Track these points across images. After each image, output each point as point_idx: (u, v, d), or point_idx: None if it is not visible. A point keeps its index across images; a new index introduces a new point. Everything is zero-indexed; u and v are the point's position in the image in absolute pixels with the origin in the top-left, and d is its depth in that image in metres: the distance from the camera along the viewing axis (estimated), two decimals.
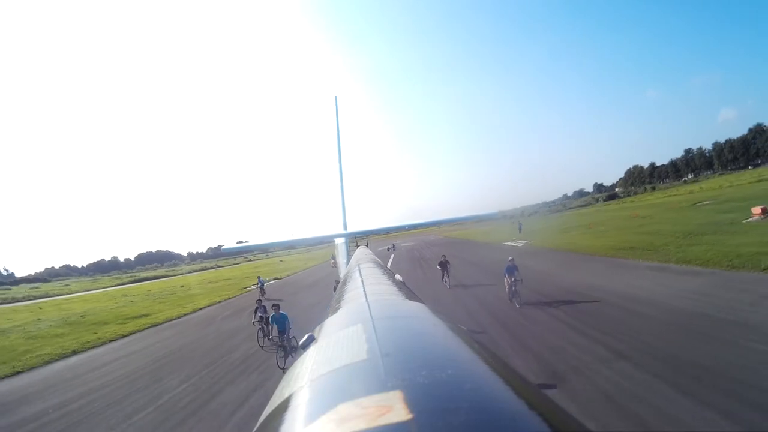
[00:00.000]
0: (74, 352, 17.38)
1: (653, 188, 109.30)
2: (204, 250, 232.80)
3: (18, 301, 60.13)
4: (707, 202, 41.12)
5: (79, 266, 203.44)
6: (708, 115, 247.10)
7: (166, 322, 23.00)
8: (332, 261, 42.63)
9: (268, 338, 13.84)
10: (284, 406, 1.08)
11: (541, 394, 0.95)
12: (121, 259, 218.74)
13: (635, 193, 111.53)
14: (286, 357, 11.12)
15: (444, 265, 19.73)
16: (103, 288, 71.28)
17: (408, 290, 3.31)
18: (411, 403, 0.80)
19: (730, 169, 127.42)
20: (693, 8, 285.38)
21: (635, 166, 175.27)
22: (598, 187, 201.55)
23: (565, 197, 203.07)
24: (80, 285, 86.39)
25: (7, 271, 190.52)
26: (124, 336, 20.05)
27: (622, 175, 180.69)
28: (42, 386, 12.95)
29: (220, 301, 29.38)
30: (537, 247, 30.21)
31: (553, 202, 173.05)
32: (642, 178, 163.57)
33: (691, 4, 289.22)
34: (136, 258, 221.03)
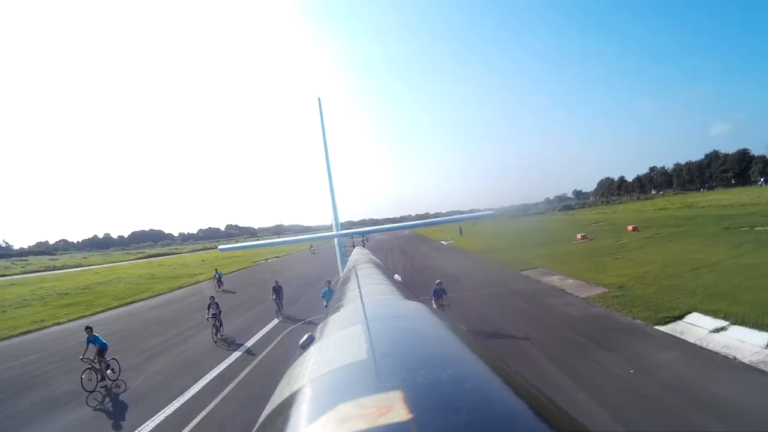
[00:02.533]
0: (180, 287, 32.38)
1: (607, 202, 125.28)
2: (195, 231, 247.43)
3: (57, 269, 72.98)
4: (601, 222, 56.59)
5: (75, 242, 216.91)
6: (705, 126, 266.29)
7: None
8: (311, 248, 58.55)
9: (219, 334, 15.65)
10: (284, 406, 1.14)
11: (541, 394, 1.00)
12: (114, 236, 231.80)
13: (590, 205, 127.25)
14: (98, 381, 11.56)
15: None
16: (120, 262, 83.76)
17: (407, 290, 3.54)
18: (411, 403, 0.83)
19: (689, 189, 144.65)
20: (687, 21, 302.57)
21: (606, 178, 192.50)
22: (578, 194, 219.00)
23: (547, 200, 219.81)
24: (98, 258, 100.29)
25: (6, 243, 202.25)
26: (198, 282, 35.07)
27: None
28: (182, 296, 27.82)
29: (246, 267, 44.84)
30: (453, 246, 45.79)
31: (534, 204, 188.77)
32: (611, 190, 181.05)
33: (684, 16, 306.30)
34: (129, 236, 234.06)
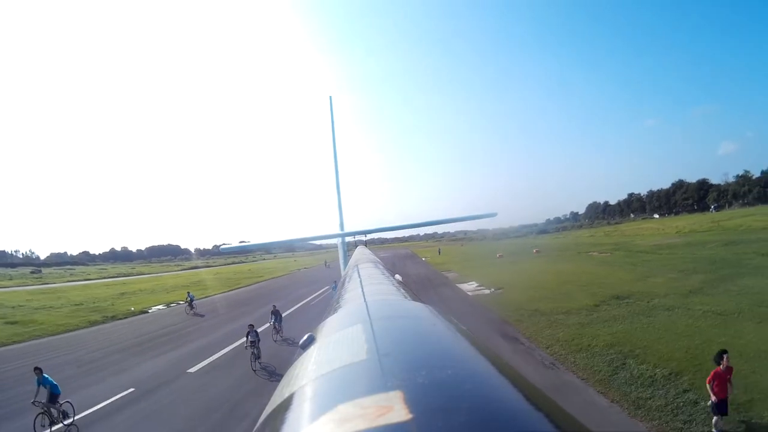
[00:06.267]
0: (257, 282, 57.14)
1: (580, 227, 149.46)
2: (209, 247, 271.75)
3: (124, 276, 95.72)
4: (536, 246, 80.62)
5: (96, 254, 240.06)
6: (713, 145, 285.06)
7: (277, 277, 62.89)
8: (326, 264, 70.71)
9: (258, 362, 16.26)
10: (284, 406, 1.17)
11: (541, 394, 1.02)
12: (133, 250, 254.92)
13: (564, 230, 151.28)
14: (51, 424, 11.60)
15: None
16: (168, 272, 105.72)
17: (408, 290, 3.60)
18: (411, 403, 0.85)
19: (660, 214, 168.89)
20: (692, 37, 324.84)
21: (594, 202, 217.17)
22: (574, 215, 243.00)
23: (547, 221, 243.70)
24: (145, 269, 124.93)
25: (33, 253, 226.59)
26: (266, 280, 59.81)
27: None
28: (266, 284, 52.59)
29: (284, 274, 69.33)
30: (426, 261, 70.19)
31: (533, 225, 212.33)
32: (597, 213, 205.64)
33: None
34: (147, 250, 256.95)
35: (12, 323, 33.65)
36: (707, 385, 9.37)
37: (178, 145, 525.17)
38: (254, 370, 15.85)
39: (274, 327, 20.73)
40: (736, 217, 74.84)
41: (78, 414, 12.99)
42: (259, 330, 17.79)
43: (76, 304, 44.58)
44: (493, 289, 30.74)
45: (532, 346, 16.34)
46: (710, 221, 74.88)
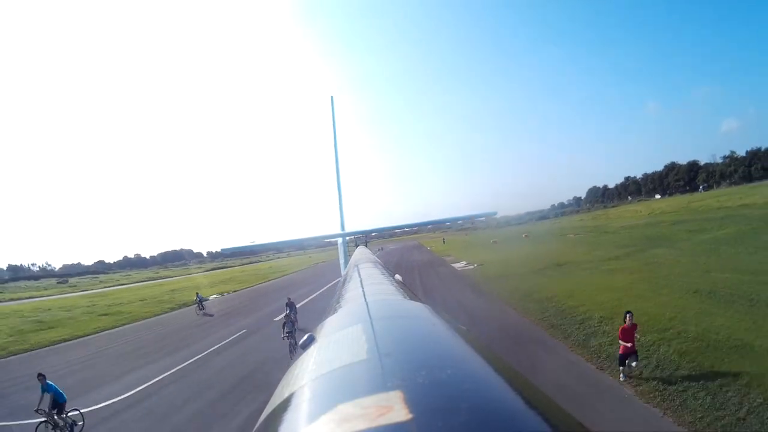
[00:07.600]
0: (284, 275, 68.17)
1: (578, 211, 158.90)
2: (219, 250, 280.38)
3: (144, 281, 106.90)
4: (526, 232, 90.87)
5: (110, 262, 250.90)
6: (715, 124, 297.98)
7: (295, 272, 73.83)
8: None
9: (296, 352, 14.03)
10: (284, 405, 1.19)
11: (541, 394, 1.04)
12: (146, 257, 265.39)
13: (564, 215, 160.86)
14: None
15: None
16: (195, 273, 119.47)
17: (408, 290, 3.68)
18: (411, 403, 0.87)
19: (662, 195, 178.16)
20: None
21: (594, 186, 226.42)
22: (577, 200, 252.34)
23: (553, 207, 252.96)
24: (171, 273, 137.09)
25: (49, 265, 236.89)
26: (294, 272, 70.75)
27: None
28: (294, 276, 63.38)
29: (302, 269, 79.99)
30: (430, 250, 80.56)
31: (540, 211, 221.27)
32: (596, 198, 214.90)
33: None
34: (160, 255, 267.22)
35: (104, 315, 44.42)
36: (619, 340, 10.99)
37: (186, 150, 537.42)
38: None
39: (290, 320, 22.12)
40: (707, 198, 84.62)
41: (226, 339, 23.70)
42: (275, 319, 24.68)
43: (141, 300, 55.40)
44: (476, 265, 41.45)
45: (487, 292, 27.05)
46: (686, 203, 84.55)
